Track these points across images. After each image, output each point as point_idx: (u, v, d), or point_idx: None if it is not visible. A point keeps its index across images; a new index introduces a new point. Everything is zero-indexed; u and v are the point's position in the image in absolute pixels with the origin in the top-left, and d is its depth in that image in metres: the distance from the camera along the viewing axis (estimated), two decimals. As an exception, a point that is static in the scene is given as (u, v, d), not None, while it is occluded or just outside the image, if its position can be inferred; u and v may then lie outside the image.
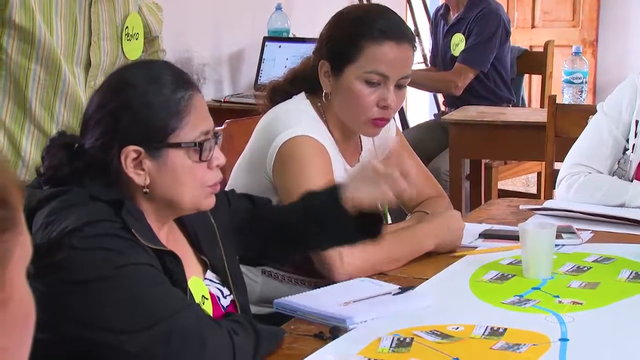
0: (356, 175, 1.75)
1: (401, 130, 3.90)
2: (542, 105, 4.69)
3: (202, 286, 1.57)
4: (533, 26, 6.82)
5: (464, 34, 4.48)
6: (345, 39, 2.05)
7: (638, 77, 2.53)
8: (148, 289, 1.40)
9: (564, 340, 1.57)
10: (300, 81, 2.16)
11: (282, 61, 4.37)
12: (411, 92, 5.21)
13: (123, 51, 2.28)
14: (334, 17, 2.14)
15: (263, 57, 4.55)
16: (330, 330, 1.61)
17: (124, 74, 1.54)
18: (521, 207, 2.48)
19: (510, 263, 2.01)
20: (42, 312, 0.76)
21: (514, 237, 2.03)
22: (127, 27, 2.28)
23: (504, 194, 4.40)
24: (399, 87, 2.07)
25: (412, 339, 1.57)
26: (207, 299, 1.57)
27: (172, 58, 2.96)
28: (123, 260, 1.38)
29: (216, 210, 1.61)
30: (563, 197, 2.50)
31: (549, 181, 3.01)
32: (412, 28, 3.97)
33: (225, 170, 2.27)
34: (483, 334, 1.60)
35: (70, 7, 2.16)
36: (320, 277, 1.99)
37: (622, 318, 1.71)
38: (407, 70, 2.08)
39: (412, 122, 5.21)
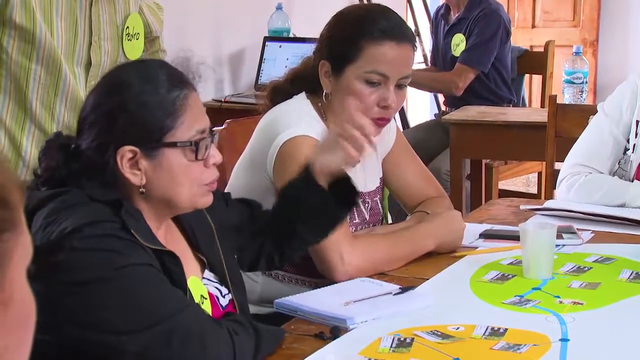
0: (321, 147, 1.77)
1: (402, 130, 3.90)
2: (542, 106, 4.69)
3: (201, 286, 1.57)
4: (533, 26, 6.82)
5: (464, 34, 4.48)
6: (345, 39, 2.05)
7: (638, 77, 2.53)
8: (148, 289, 1.40)
9: (564, 340, 1.57)
10: (301, 81, 2.16)
11: (283, 61, 4.37)
12: (411, 92, 5.21)
13: (124, 51, 2.28)
14: (335, 17, 2.14)
15: (263, 57, 4.55)
16: (330, 330, 1.61)
17: (118, 74, 1.54)
18: (522, 207, 2.48)
19: (511, 263, 2.01)
20: (43, 313, 0.76)
21: (515, 237, 2.03)
22: (127, 27, 2.28)
23: (504, 194, 4.40)
24: (400, 87, 2.07)
25: (412, 339, 1.57)
26: (205, 298, 1.57)
27: (172, 58, 2.96)
28: (123, 261, 1.38)
29: (213, 209, 1.61)
30: (563, 197, 2.50)
31: (550, 181, 3.01)
32: (413, 28, 3.97)
33: (226, 170, 2.28)
34: (484, 334, 1.60)
35: (71, 7, 2.16)
36: (321, 277, 1.99)
37: (622, 318, 1.71)
38: (407, 70, 2.08)
39: (413, 122, 5.21)
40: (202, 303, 1.54)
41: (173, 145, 1.47)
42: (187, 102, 1.49)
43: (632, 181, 2.45)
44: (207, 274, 1.63)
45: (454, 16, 4.59)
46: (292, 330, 1.64)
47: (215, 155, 1.52)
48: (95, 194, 1.44)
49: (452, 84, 4.43)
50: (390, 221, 2.73)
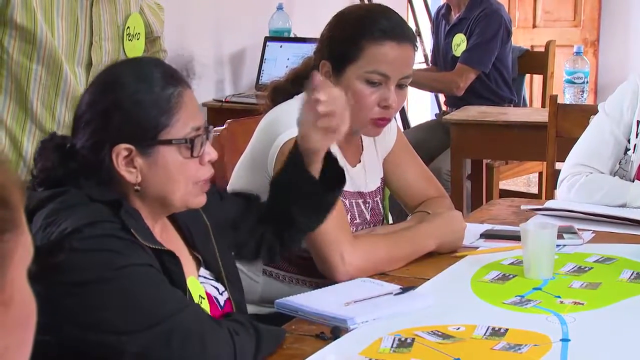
0: (300, 128, 1.76)
1: (402, 130, 3.90)
2: (543, 105, 4.69)
3: (198, 286, 1.58)
4: (534, 26, 6.82)
5: (465, 34, 4.48)
6: (346, 39, 2.05)
7: (639, 77, 2.53)
8: (148, 289, 1.40)
9: (565, 340, 1.57)
10: (302, 81, 2.16)
11: (284, 61, 4.37)
12: (412, 92, 5.21)
13: (124, 51, 2.28)
14: (335, 17, 2.14)
15: (264, 57, 4.55)
16: (331, 330, 1.61)
17: (113, 72, 1.54)
18: (522, 207, 2.48)
19: (512, 263, 2.01)
20: (43, 313, 0.76)
21: (515, 238, 2.03)
22: (128, 27, 2.28)
23: (505, 194, 4.40)
24: (400, 87, 2.07)
25: (413, 339, 1.57)
26: (203, 298, 1.57)
27: (173, 58, 2.96)
28: (123, 261, 1.38)
29: (208, 206, 1.61)
30: (564, 197, 2.50)
31: (550, 181, 3.01)
32: (414, 28, 3.97)
33: (227, 169, 2.28)
34: (484, 335, 1.60)
35: (72, 7, 2.16)
36: (322, 278, 1.99)
37: (623, 318, 1.71)
38: (408, 70, 2.08)
39: (414, 122, 5.20)
40: (201, 303, 1.55)
41: (168, 142, 1.47)
42: (181, 100, 1.49)
43: (633, 181, 2.45)
44: (203, 271, 1.63)
45: (454, 16, 4.59)
46: (293, 330, 1.64)
47: (210, 153, 1.52)
48: (94, 194, 1.45)
49: (453, 84, 4.42)
50: (391, 221, 2.73)
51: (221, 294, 1.63)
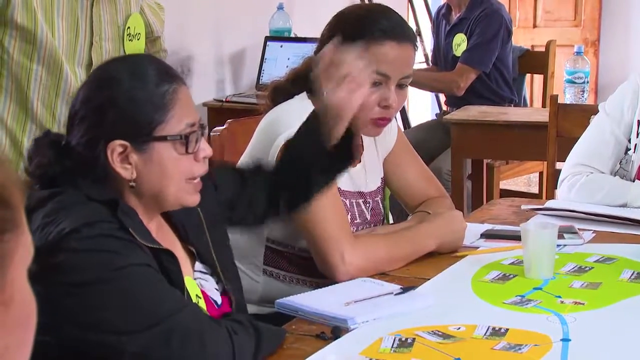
0: (323, 83, 1.78)
1: (403, 130, 3.90)
2: (543, 105, 4.68)
3: (194, 285, 1.57)
4: (535, 26, 6.82)
5: (465, 34, 4.47)
6: (346, 39, 2.05)
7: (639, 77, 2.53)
8: (147, 289, 1.40)
9: (565, 340, 1.57)
10: (302, 81, 2.16)
11: (284, 61, 4.37)
12: (413, 92, 5.21)
13: (125, 51, 2.28)
14: (335, 17, 2.14)
15: (265, 56, 4.55)
16: (331, 330, 1.61)
17: (108, 69, 1.55)
18: (523, 207, 2.48)
19: (512, 263, 2.01)
20: (43, 313, 0.76)
21: (516, 237, 2.03)
22: (128, 28, 2.29)
23: (505, 193, 4.40)
24: (401, 86, 2.07)
25: (413, 339, 1.57)
26: (200, 297, 1.57)
27: (173, 58, 2.96)
28: (122, 262, 1.39)
29: (203, 202, 1.60)
30: (565, 197, 2.50)
31: (551, 181, 3.01)
32: (414, 28, 3.97)
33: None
34: (485, 334, 1.60)
35: (72, 7, 2.16)
36: (322, 277, 1.99)
37: (623, 318, 1.71)
38: (408, 70, 2.08)
39: (414, 122, 5.20)
40: (197, 303, 1.55)
41: (163, 139, 1.48)
42: (176, 96, 1.49)
43: (634, 181, 2.45)
44: (198, 265, 1.63)
45: (455, 16, 4.59)
46: (293, 330, 1.64)
47: (205, 149, 1.53)
48: (92, 193, 1.45)
49: (453, 84, 4.42)
50: (391, 221, 2.73)
51: (217, 290, 1.63)
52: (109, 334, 1.37)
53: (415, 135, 4.22)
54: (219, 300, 1.62)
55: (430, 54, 5.15)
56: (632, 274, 1.93)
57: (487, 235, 2.22)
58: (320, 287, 1.87)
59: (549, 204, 2.47)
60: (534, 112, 4.55)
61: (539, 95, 5.57)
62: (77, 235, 1.37)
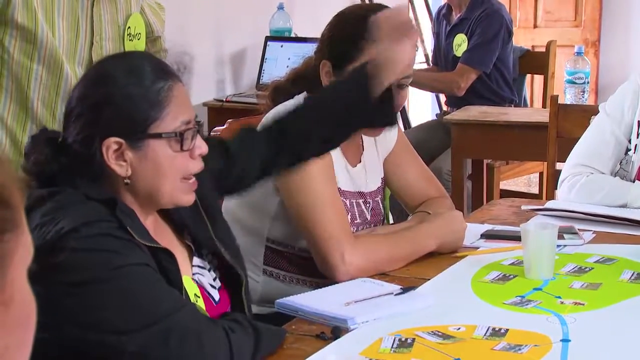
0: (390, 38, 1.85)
1: (403, 130, 3.90)
2: (544, 106, 4.68)
3: (193, 285, 1.57)
4: (535, 26, 6.82)
5: (466, 35, 4.47)
6: (346, 39, 2.05)
7: (640, 77, 2.53)
8: (146, 289, 1.40)
9: (565, 341, 1.57)
10: (302, 81, 2.16)
11: (284, 61, 4.37)
12: (413, 92, 5.21)
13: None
14: (335, 17, 2.14)
15: (265, 56, 4.55)
16: (331, 330, 1.61)
17: (104, 67, 1.55)
18: (523, 207, 2.48)
19: (512, 263, 2.00)
20: (43, 313, 0.76)
21: (516, 238, 2.03)
22: (129, 27, 2.29)
23: (505, 194, 4.40)
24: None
25: (413, 340, 1.57)
26: (198, 297, 1.57)
27: (174, 58, 2.96)
28: (120, 261, 1.39)
29: (201, 192, 1.60)
30: (565, 197, 2.50)
31: (551, 181, 3.01)
32: (414, 28, 3.96)
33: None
34: (484, 335, 1.60)
35: (73, 7, 2.16)
36: (322, 277, 1.99)
37: (623, 319, 1.71)
38: (408, 70, 2.07)
39: (414, 122, 5.20)
40: (196, 302, 1.54)
41: (158, 136, 1.48)
42: (171, 94, 1.49)
43: (634, 182, 2.45)
44: (196, 260, 1.62)
45: (455, 16, 4.59)
46: (293, 330, 1.64)
47: (201, 146, 1.52)
48: (90, 192, 1.45)
49: (454, 84, 4.42)
50: (391, 221, 2.73)
51: (215, 287, 1.62)
52: (110, 334, 1.37)
53: (416, 136, 4.22)
54: (217, 297, 1.62)
55: (430, 54, 5.15)
56: (632, 275, 1.93)
57: (487, 236, 2.22)
58: (320, 287, 1.87)
59: (549, 204, 2.47)
60: (534, 112, 4.54)
61: (539, 95, 5.56)
62: (76, 234, 1.37)
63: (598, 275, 1.93)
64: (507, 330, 1.61)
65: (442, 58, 4.65)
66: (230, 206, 2.08)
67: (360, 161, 2.20)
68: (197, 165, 1.53)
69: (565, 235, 2.16)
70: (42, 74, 2.15)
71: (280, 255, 2.11)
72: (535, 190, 5.28)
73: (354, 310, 1.68)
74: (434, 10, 5.10)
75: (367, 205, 2.20)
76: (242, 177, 1.80)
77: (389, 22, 1.92)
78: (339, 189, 2.08)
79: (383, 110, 1.83)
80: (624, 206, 2.41)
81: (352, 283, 1.88)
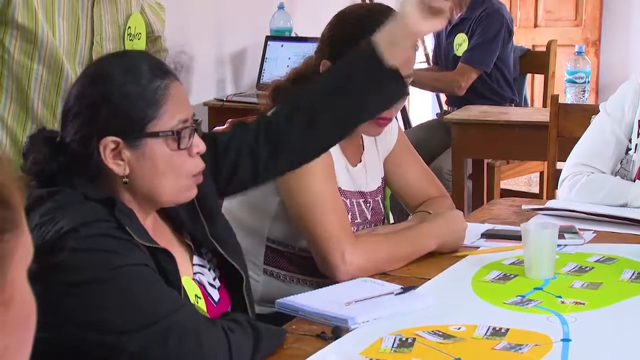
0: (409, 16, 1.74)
1: (403, 129, 3.90)
2: (544, 105, 4.68)
3: (193, 285, 1.57)
4: (536, 25, 6.82)
5: (466, 34, 4.47)
6: (346, 39, 2.05)
7: (640, 77, 2.53)
8: (145, 289, 1.40)
9: (566, 340, 1.57)
10: (303, 81, 2.16)
11: (285, 60, 4.37)
12: (413, 92, 5.20)
13: (125, 51, 2.28)
14: (336, 17, 2.14)
15: (265, 56, 4.55)
16: (332, 330, 1.61)
17: (101, 66, 1.55)
18: (523, 207, 2.48)
19: (513, 263, 2.00)
20: (43, 313, 0.76)
21: (517, 237, 2.03)
22: (129, 27, 2.29)
23: (506, 193, 4.40)
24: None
25: (414, 339, 1.57)
26: (199, 298, 1.57)
27: (172, 57, 2.95)
28: (120, 261, 1.39)
29: (201, 192, 1.59)
30: (565, 197, 2.50)
31: (552, 181, 3.01)
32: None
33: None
34: (485, 334, 1.60)
35: (73, 7, 2.16)
36: (322, 277, 1.99)
37: (624, 318, 1.71)
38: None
39: (415, 121, 5.20)
40: (197, 302, 1.54)
41: (155, 135, 1.47)
42: (168, 92, 1.49)
43: (634, 181, 2.45)
44: (196, 259, 1.62)
45: (456, 16, 4.59)
46: (294, 330, 1.64)
47: (199, 145, 1.52)
48: (89, 192, 1.45)
49: (454, 84, 4.42)
50: (392, 221, 2.73)
51: (214, 287, 1.62)
52: (110, 334, 1.37)
53: (416, 135, 4.22)
54: (216, 298, 1.62)
55: (431, 54, 5.15)
56: (632, 274, 1.93)
57: (488, 235, 2.22)
58: (321, 287, 1.87)
59: (550, 203, 2.47)
60: (535, 112, 4.54)
61: (540, 95, 5.57)
62: (75, 234, 1.37)
63: (598, 275, 1.93)
64: (507, 329, 1.61)
65: (443, 57, 4.65)
66: (230, 206, 2.08)
67: (360, 161, 2.20)
68: (196, 165, 1.53)
69: (566, 235, 2.16)
70: (43, 74, 2.15)
71: (281, 255, 2.11)
72: (535, 189, 5.28)
73: (354, 310, 1.68)
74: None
75: (368, 204, 2.20)
76: (235, 169, 1.74)
77: None
78: (340, 188, 2.08)
79: (396, 78, 1.74)
80: (624, 206, 2.41)
81: (352, 283, 1.88)
